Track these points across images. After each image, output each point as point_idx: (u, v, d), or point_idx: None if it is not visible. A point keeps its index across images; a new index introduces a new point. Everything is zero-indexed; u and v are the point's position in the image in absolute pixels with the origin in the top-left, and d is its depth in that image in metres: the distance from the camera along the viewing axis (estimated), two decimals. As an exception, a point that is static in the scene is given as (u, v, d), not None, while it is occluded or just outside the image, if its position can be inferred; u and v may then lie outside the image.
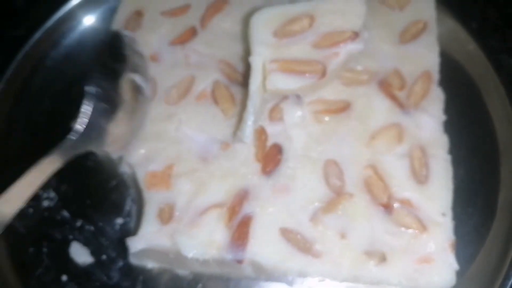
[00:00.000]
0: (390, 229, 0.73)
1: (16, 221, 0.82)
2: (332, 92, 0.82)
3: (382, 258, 0.71)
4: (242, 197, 0.76)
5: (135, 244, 0.75)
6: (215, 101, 0.84)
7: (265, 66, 0.78)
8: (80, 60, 0.96)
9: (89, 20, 1.01)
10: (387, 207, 0.74)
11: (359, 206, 0.75)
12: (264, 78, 0.78)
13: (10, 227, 0.81)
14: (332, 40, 0.79)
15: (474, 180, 0.82)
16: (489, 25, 0.94)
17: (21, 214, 0.82)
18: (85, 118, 0.76)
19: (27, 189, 0.70)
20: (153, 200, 0.77)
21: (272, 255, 0.73)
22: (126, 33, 0.84)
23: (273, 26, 0.80)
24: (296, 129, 0.80)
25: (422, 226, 0.73)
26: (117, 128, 0.79)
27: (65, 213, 0.84)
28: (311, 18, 0.80)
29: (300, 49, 0.79)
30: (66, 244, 0.81)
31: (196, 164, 0.79)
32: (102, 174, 0.86)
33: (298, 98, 0.81)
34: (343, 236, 0.73)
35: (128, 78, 0.81)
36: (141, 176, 0.79)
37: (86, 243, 0.82)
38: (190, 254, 0.73)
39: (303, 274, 0.73)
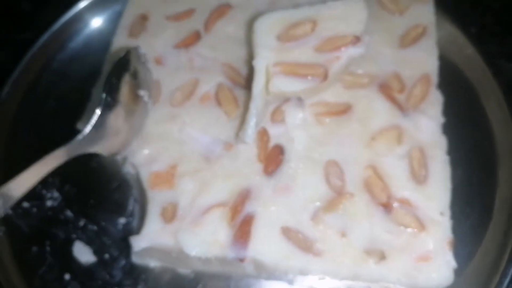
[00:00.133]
0: (390, 228, 0.74)
1: (20, 220, 0.84)
2: (333, 94, 0.83)
3: (382, 257, 0.72)
4: (244, 196, 0.77)
5: (138, 242, 0.75)
6: (219, 103, 0.85)
7: (268, 69, 0.79)
8: (86, 63, 0.97)
9: (95, 24, 1.02)
10: (387, 207, 0.75)
11: (359, 205, 0.75)
12: (267, 81, 0.79)
13: (14, 226, 0.83)
14: (334, 44, 0.80)
15: (472, 181, 0.83)
16: (487, 30, 0.96)
17: (25, 214, 0.84)
18: (94, 120, 0.78)
19: (32, 178, 0.72)
20: (157, 199, 0.78)
21: (273, 254, 0.73)
22: (142, 50, 0.86)
23: (277, 30, 0.82)
24: (297, 130, 0.81)
25: (421, 225, 0.73)
26: (115, 122, 0.81)
27: (69, 213, 0.84)
28: (314, 23, 0.82)
29: (302, 52, 0.81)
30: (69, 243, 0.82)
31: (199, 164, 0.80)
32: (105, 174, 0.87)
33: (299, 100, 0.82)
34: (343, 235, 0.73)
35: (130, 82, 0.83)
36: (145, 176, 0.80)
37: (89, 242, 0.82)
38: (192, 252, 0.74)
39: (304, 272, 0.74)
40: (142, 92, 0.83)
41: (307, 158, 0.79)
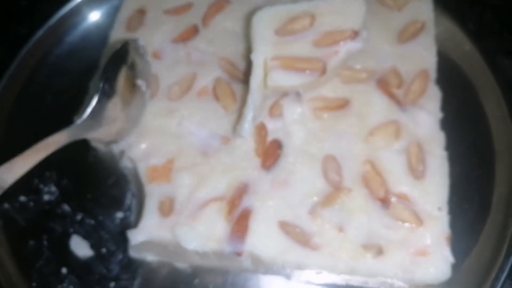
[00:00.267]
0: (387, 223, 0.74)
1: (17, 214, 0.84)
2: (331, 89, 0.83)
3: (379, 251, 0.72)
4: (242, 190, 0.77)
5: (135, 236, 0.75)
6: (216, 97, 0.85)
7: (266, 63, 0.79)
8: (83, 57, 0.97)
9: (92, 18, 1.02)
10: (385, 202, 0.75)
11: (357, 200, 0.75)
12: (265, 75, 0.79)
13: (11, 220, 0.83)
14: (332, 38, 0.80)
15: (470, 177, 0.83)
16: (486, 27, 0.96)
17: (22, 208, 0.84)
18: (91, 107, 0.78)
19: (27, 162, 0.73)
20: (154, 193, 0.78)
21: (271, 248, 0.73)
22: (140, 42, 0.86)
23: (275, 24, 0.82)
24: (295, 125, 0.81)
25: (419, 220, 0.73)
26: (113, 110, 0.80)
27: (66, 207, 0.84)
28: (312, 17, 0.82)
29: (301, 47, 0.80)
30: (66, 237, 0.82)
31: (197, 159, 0.80)
32: (102, 168, 0.87)
33: (297, 95, 0.82)
34: (341, 229, 0.74)
35: (128, 73, 0.82)
36: (142, 170, 0.80)
37: (86, 236, 0.82)
38: (190, 247, 0.74)
39: (301, 267, 0.74)
40: (139, 82, 0.83)
41: (305, 152, 0.79)
